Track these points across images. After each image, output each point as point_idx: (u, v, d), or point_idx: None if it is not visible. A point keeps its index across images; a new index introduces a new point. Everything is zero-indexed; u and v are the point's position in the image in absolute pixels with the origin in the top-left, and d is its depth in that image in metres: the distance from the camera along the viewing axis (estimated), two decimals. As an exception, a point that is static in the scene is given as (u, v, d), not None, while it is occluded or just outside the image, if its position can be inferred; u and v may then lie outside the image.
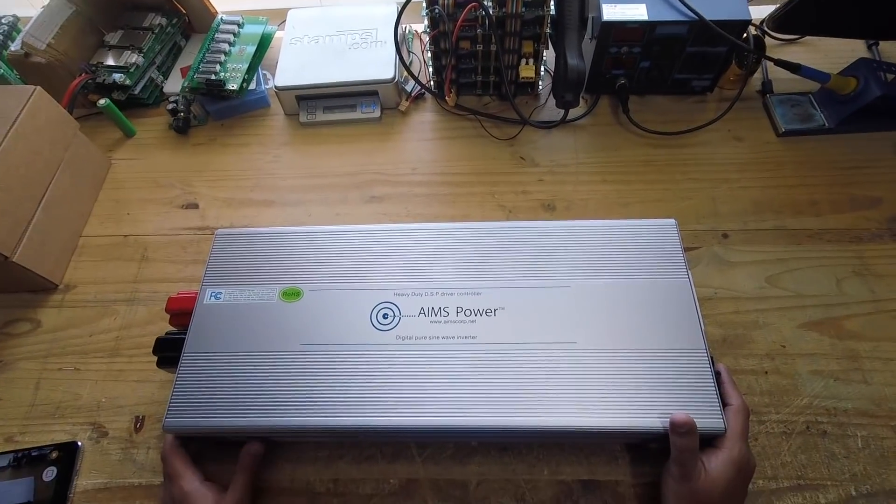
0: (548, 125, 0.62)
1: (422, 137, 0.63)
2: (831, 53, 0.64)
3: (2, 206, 0.48)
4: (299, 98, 0.64)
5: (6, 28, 0.66)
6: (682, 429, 0.36)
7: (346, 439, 0.44)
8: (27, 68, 0.60)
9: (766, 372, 0.45)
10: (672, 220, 0.45)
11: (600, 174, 0.58)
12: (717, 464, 0.36)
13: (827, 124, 0.58)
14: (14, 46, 0.59)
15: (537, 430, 0.38)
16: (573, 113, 0.61)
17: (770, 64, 0.60)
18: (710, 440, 0.37)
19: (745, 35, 0.55)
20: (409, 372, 0.40)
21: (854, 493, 0.40)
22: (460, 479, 0.43)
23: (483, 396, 0.38)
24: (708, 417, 0.37)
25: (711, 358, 0.39)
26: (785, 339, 0.47)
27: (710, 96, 0.63)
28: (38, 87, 0.52)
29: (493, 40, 0.57)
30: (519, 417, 0.38)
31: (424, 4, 0.55)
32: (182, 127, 0.64)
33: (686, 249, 0.44)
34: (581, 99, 0.61)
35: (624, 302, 0.42)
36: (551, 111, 0.63)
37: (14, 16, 0.69)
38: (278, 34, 0.70)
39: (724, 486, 0.36)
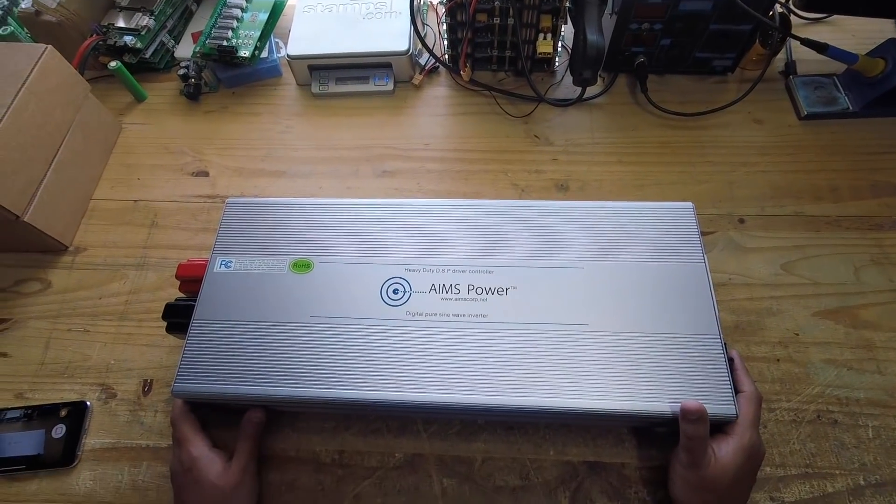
0: (563, 103, 0.60)
1: (435, 112, 0.62)
2: (859, 33, 0.62)
3: (14, 165, 0.48)
4: (312, 68, 0.63)
5: (17, -13, 0.65)
6: (692, 416, 0.35)
7: (352, 412, 0.44)
8: (38, 27, 0.59)
9: (779, 359, 0.45)
10: (689, 204, 0.44)
11: (616, 154, 0.57)
12: (727, 451, 0.36)
13: (851, 108, 0.57)
14: (24, 4, 0.58)
15: (545, 411, 0.37)
16: (590, 91, 0.59)
17: (794, 44, 0.58)
18: (721, 426, 0.37)
19: (770, 13, 0.54)
20: (417, 347, 0.40)
21: (863, 482, 0.40)
22: (466, 456, 0.43)
23: (492, 375, 0.38)
24: (720, 403, 0.36)
25: (725, 344, 0.38)
26: (799, 326, 0.46)
27: (731, 77, 0.61)
28: (50, 46, 0.51)
29: (511, 13, 0.55)
30: (527, 397, 0.37)
31: (443, -27, 0.53)
32: (193, 93, 0.63)
33: (701, 234, 0.43)
34: (598, 77, 0.59)
35: (637, 285, 0.41)
36: (567, 89, 0.62)
37: (24, -26, 0.68)
38: (291, 2, 0.69)
39: (734, 473, 0.35)
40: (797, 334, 0.46)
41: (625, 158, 0.57)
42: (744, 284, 0.48)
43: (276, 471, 0.43)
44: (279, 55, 0.65)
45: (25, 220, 0.49)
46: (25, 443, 0.44)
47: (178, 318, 0.43)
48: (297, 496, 0.42)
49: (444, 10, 0.57)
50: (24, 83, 0.49)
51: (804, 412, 0.42)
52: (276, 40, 0.67)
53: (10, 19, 0.61)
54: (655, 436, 0.42)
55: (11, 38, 0.60)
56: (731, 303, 0.47)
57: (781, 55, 0.61)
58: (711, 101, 0.58)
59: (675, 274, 0.41)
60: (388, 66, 0.62)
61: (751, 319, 0.47)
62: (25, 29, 0.61)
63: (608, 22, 0.57)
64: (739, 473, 0.36)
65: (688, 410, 0.35)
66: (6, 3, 0.62)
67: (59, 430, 0.45)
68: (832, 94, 0.58)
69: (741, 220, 0.52)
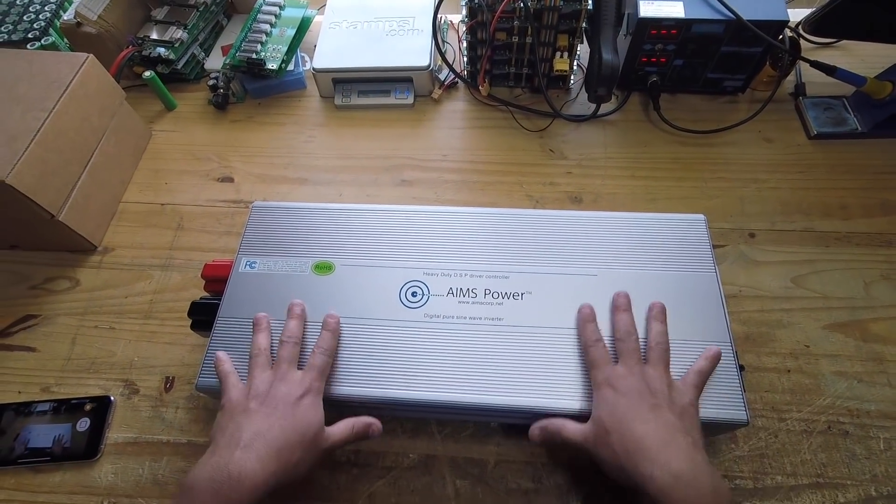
0: (578, 119, 0.62)
1: (453, 125, 0.64)
2: (868, 58, 0.63)
3: (52, 167, 0.50)
4: (335, 81, 0.65)
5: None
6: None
7: (369, 411, 0.45)
8: (78, 38, 0.62)
9: (789, 370, 0.45)
10: (701, 216, 0.46)
11: (629, 169, 0.59)
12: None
13: (860, 128, 0.58)
14: (67, 16, 0.61)
15: (558, 413, 0.38)
16: (604, 108, 0.61)
17: (804, 67, 0.60)
18: (732, 430, 0.38)
19: (780, 37, 0.56)
20: (434, 348, 0.41)
21: (874, 493, 0.40)
22: (479, 458, 0.43)
23: (507, 377, 0.39)
24: (731, 409, 0.37)
25: (736, 353, 0.39)
26: (809, 339, 0.47)
27: (742, 97, 0.63)
28: (91, 55, 0.54)
29: (530, 32, 0.58)
30: (541, 399, 0.38)
31: (464, -6, 0.56)
32: (221, 103, 0.65)
33: (713, 246, 0.44)
34: (612, 94, 0.61)
35: (650, 292, 0.42)
36: (582, 105, 0.64)
37: (66, -12, 0.71)
38: (318, 18, 0.72)
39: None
40: (808, 346, 0.46)
41: (637, 173, 0.58)
42: (754, 297, 0.49)
43: (292, 468, 0.44)
44: (304, 68, 0.68)
45: (60, 219, 0.51)
46: (52, 435, 0.45)
47: (202, 315, 0.45)
48: (312, 493, 0.43)
49: (464, 28, 0.59)
50: (66, 89, 0.51)
51: (815, 423, 0.43)
52: (303, 54, 0.69)
53: (51, 30, 0.64)
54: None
55: (52, 48, 0.63)
56: (742, 314, 0.48)
57: (791, 77, 0.63)
58: (722, 120, 0.60)
59: (686, 283, 0.43)
60: (409, 80, 0.65)
61: (762, 331, 0.47)
62: (66, 39, 0.64)
63: (623, 42, 0.59)
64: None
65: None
66: (49, 14, 0.65)
67: (83, 424, 0.46)
68: (841, 115, 0.60)
69: (752, 235, 0.53)
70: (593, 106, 0.61)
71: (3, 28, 0.66)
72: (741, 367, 0.39)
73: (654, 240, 0.45)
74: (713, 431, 0.42)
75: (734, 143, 0.59)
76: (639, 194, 0.57)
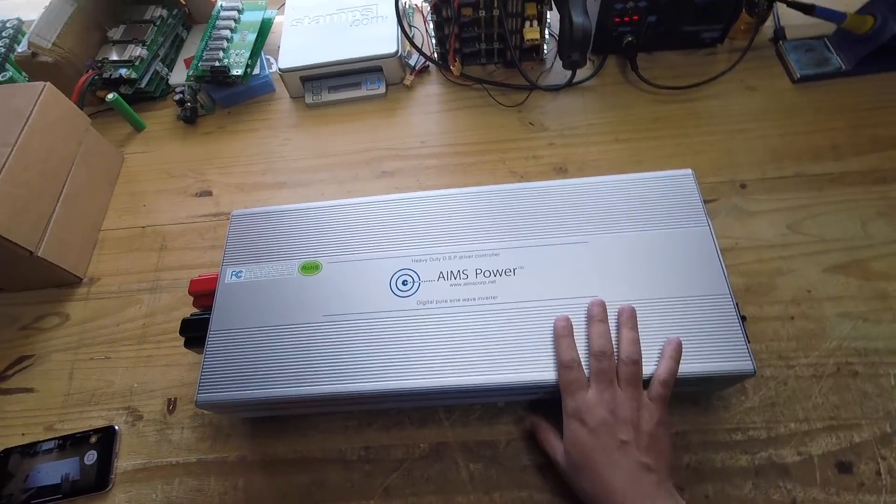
0: (555, 88, 0.61)
1: (428, 110, 0.63)
2: (845, -7, 0.62)
3: (23, 202, 0.49)
4: (304, 79, 0.64)
5: (11, 32, 0.67)
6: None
7: (373, 406, 0.45)
8: (35, 69, 0.60)
9: (793, 317, 0.45)
10: (689, 171, 0.45)
11: (612, 133, 0.58)
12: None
13: (844, 67, 0.57)
14: (21, 48, 0.59)
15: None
16: (580, 75, 0.60)
17: (781, 9, 0.59)
18: (739, 381, 0.37)
19: (753, -20, 0.54)
20: (431, 334, 0.40)
21: (889, 429, 0.39)
22: (490, 440, 0.43)
23: (508, 354, 0.39)
24: (736, 360, 0.37)
25: (737, 303, 0.38)
26: (810, 283, 0.46)
27: (721, 48, 0.62)
28: (48, 83, 0.53)
29: (496, 4, 0.56)
30: (545, 372, 0.38)
31: (423, -28, 0.54)
32: (190, 117, 0.64)
33: (704, 201, 0.43)
34: (588, 60, 0.60)
35: (643, 253, 0.41)
36: (558, 75, 0.62)
37: (18, 18, 0.70)
38: (278, 18, 0.70)
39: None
40: (809, 291, 0.45)
41: (621, 136, 0.57)
42: (751, 247, 0.48)
43: (304, 472, 0.44)
44: (271, 70, 0.67)
45: (39, 255, 0.50)
46: (60, 473, 0.45)
47: (194, 332, 0.44)
48: (328, 495, 0.42)
49: (429, 8, 0.58)
50: (26, 121, 0.50)
51: (823, 366, 0.42)
52: (267, 57, 0.68)
53: (7, 65, 0.63)
54: (674, 407, 0.42)
55: (10, 82, 0.62)
56: (741, 266, 0.47)
57: (770, 22, 0.61)
58: (703, 74, 0.59)
59: (680, 239, 0.42)
60: (379, 69, 0.63)
61: (761, 281, 0.46)
62: (24, 73, 0.63)
63: (593, 4, 0.58)
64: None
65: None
66: (3, 49, 0.63)
67: (91, 457, 0.46)
68: (823, 55, 0.58)
69: (743, 186, 0.52)
70: (569, 74, 0.59)
71: (-41, 67, 0.64)
72: (743, 318, 0.39)
73: (643, 200, 0.44)
74: (721, 385, 0.41)
75: (717, 96, 0.58)
76: (624, 158, 0.56)
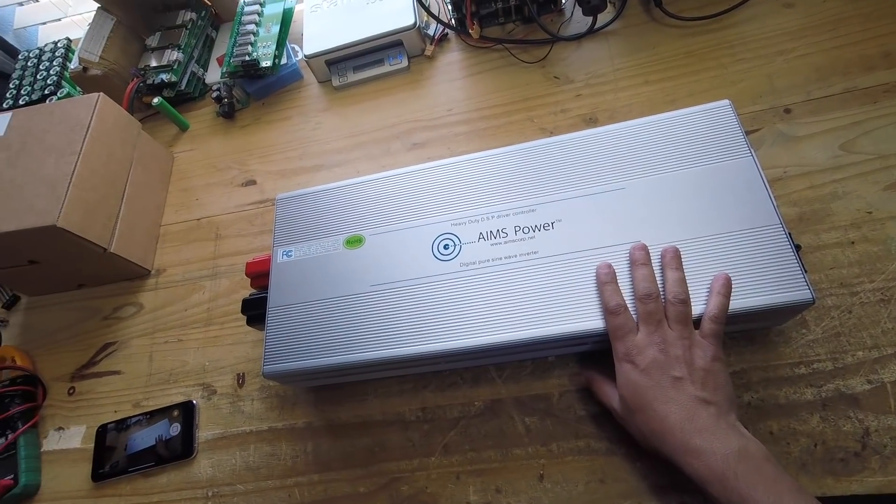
0: (577, 38, 0.59)
1: (452, 77, 0.63)
2: None
3: (93, 204, 0.54)
4: (328, 63, 0.65)
5: (63, 51, 0.72)
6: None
7: (427, 368, 0.46)
8: (87, 82, 0.65)
9: (853, 242, 0.42)
10: (726, 101, 0.43)
11: (641, 76, 0.56)
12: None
13: (893, -33, 0.52)
14: (73, 65, 0.64)
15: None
16: (602, 19, 0.58)
17: (818, -84, 0.54)
18: (798, 313, 0.36)
19: None
20: (477, 294, 0.41)
21: (967, 347, 0.37)
22: (543, 393, 0.44)
23: (553, 306, 0.39)
24: (793, 291, 0.35)
25: (789, 233, 0.37)
26: (870, 204, 0.43)
27: (752, -33, 0.58)
28: (102, 94, 0.57)
29: (509, -41, 0.55)
30: (592, 321, 0.38)
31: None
32: (228, 112, 0.67)
33: (746, 133, 0.42)
34: (608, 3, 0.58)
35: (684, 193, 0.40)
36: (579, 23, 0.61)
37: (67, 38, 0.75)
38: (298, 7, 0.72)
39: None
40: (870, 212, 0.43)
41: (651, 78, 0.55)
42: (801, 175, 0.46)
43: (366, 436, 0.46)
44: (297, 58, 0.69)
45: (112, 250, 0.55)
46: (154, 435, 0.50)
47: (255, 310, 0.47)
48: (391, 454, 0.45)
49: (441, -26, 0.57)
50: (87, 130, 0.54)
51: (891, 290, 0.40)
52: (293, 46, 0.70)
53: (63, 82, 0.68)
54: (730, 340, 0.41)
55: (67, 98, 0.67)
56: (791, 195, 0.45)
57: (804, -68, 0.57)
58: (733, -1, 0.55)
59: (722, 173, 0.40)
60: (400, 43, 0.64)
61: (815, 208, 0.44)
62: (78, 88, 0.68)
63: (608, -57, 0.55)
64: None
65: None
66: (58, 68, 0.69)
67: (175, 429, 0.50)
68: (869, -43, 0.53)
69: (787, 111, 0.49)
70: (590, 20, 0.58)
71: (23, 91, 0.70)
72: (797, 247, 0.37)
73: (678, 138, 0.43)
74: (779, 319, 0.40)
75: (751, 19, 0.55)
76: (656, 100, 0.54)
